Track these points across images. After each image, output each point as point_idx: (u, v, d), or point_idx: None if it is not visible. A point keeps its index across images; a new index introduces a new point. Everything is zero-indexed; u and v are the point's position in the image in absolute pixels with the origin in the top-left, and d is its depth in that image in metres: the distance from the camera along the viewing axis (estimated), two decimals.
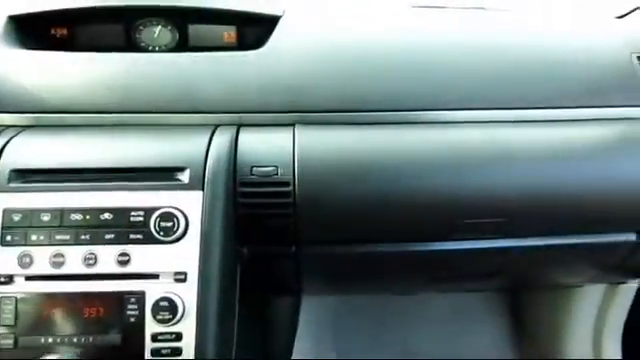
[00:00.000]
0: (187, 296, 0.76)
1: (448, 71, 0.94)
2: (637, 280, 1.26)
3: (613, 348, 1.37)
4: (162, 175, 0.80)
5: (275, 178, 0.83)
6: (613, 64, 0.98)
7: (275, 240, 0.89)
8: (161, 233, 0.77)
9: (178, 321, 0.75)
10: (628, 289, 1.28)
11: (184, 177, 0.80)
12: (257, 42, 0.97)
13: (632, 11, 1.10)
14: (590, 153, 0.90)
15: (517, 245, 0.96)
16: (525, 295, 1.65)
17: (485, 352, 1.65)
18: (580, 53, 0.99)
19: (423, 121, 0.91)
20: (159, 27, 1.01)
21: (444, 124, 0.91)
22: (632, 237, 0.98)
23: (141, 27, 1.00)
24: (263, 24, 0.99)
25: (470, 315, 1.70)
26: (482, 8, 1.12)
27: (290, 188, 0.83)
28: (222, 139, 0.84)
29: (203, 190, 0.79)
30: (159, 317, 0.74)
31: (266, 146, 0.85)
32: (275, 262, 0.95)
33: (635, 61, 0.97)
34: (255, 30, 1.01)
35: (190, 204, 0.78)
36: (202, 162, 0.80)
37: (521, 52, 0.98)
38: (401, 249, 0.93)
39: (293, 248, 0.91)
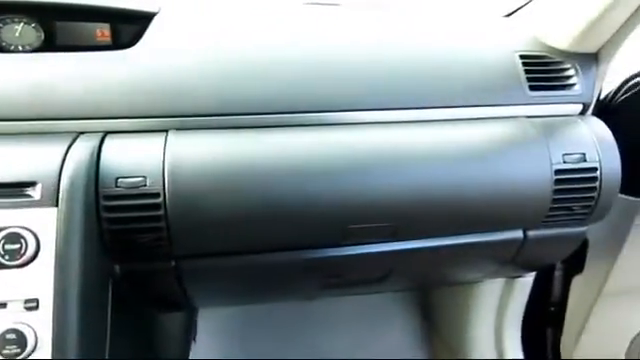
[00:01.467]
0: (40, 326, 0.68)
1: (336, 72, 0.90)
2: (532, 274, 1.29)
3: (513, 341, 1.40)
4: (9, 191, 0.71)
5: (143, 189, 0.77)
6: (497, 63, 0.98)
7: (150, 256, 0.82)
8: (6, 257, 0.68)
9: (29, 355, 0.67)
10: (525, 283, 1.31)
11: (35, 193, 0.72)
12: (132, 41, 0.90)
13: (518, 9, 1.11)
14: (477, 153, 0.90)
15: (411, 247, 0.94)
16: (433, 293, 1.67)
17: (396, 351, 1.65)
18: (466, 53, 0.99)
19: (310, 123, 0.87)
20: (21, 25, 0.91)
21: (331, 126, 0.88)
22: (520, 234, 0.99)
23: (0, 25, 0.90)
24: (139, 21, 0.92)
25: (381, 315, 1.70)
26: (375, 7, 1.10)
27: (160, 200, 0.77)
28: (82, 148, 0.76)
29: (57, 206, 0.71)
30: (5, 352, 0.66)
31: (133, 155, 0.78)
32: (155, 278, 0.88)
33: (517, 60, 0.98)
34: (131, 28, 0.93)
35: (42, 223, 0.70)
36: (56, 175, 0.72)
37: (409, 52, 0.96)
38: (289, 258, 0.88)
39: (173, 263, 0.85)
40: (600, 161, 0.92)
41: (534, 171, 0.90)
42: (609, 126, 0.99)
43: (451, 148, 0.89)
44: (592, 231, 1.17)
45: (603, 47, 0.99)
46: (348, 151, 0.83)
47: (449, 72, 0.95)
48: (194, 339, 1.43)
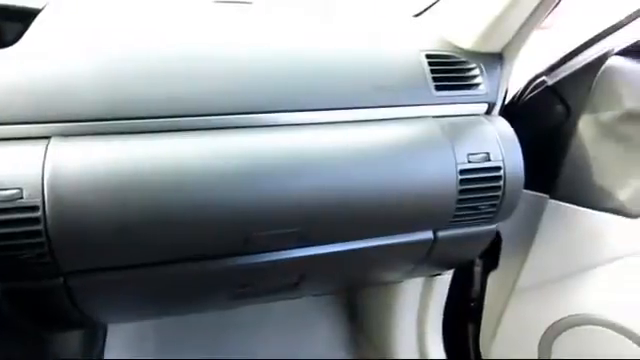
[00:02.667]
0: None
1: (239, 73, 0.86)
2: (449, 272, 1.30)
3: (435, 338, 1.41)
4: None
5: (19, 203, 0.70)
6: (404, 63, 0.97)
7: (35, 273, 0.76)
8: None
9: None
10: (443, 280, 1.32)
11: None
12: (14, 40, 0.83)
13: (426, 9, 1.10)
14: (383, 154, 0.88)
15: (320, 253, 0.92)
16: (358, 293, 1.66)
17: (323, 353, 1.63)
18: (373, 53, 0.97)
19: (208, 127, 0.83)
20: None
21: (231, 130, 0.84)
22: (429, 235, 0.98)
23: None
24: (21, 19, 0.84)
25: (307, 317, 1.67)
26: (286, 5, 1.07)
27: (39, 213, 0.71)
28: None
29: None
30: None
31: (9, 165, 0.72)
32: (44, 297, 0.81)
33: (424, 59, 0.97)
34: (13, 26, 0.86)
35: None
36: None
37: (316, 53, 0.93)
38: (188, 270, 0.84)
39: (61, 280, 0.79)
40: (504, 160, 0.92)
41: (440, 171, 0.89)
42: (516, 125, 1.00)
43: (357, 150, 0.87)
44: (505, 227, 1.19)
45: (507, 46, 1.00)
46: (248, 155, 0.80)
47: (356, 73, 0.93)
48: (101, 357, 1.36)
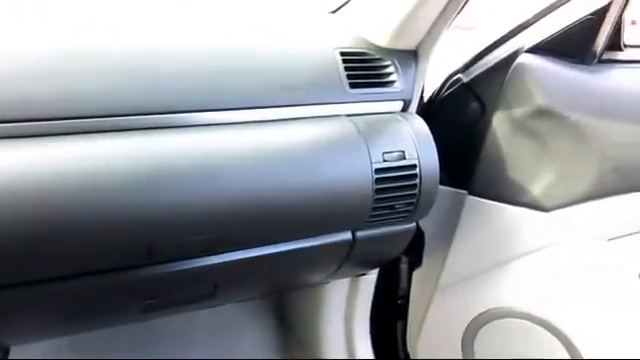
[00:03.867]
0: None
1: (137, 69, 0.81)
2: (375, 271, 1.29)
3: (362, 337, 1.40)
4: None
5: None
6: (318, 61, 0.94)
7: None
8: None
9: None
10: (369, 279, 1.31)
11: None
12: None
13: (342, 5, 1.09)
14: (296, 155, 0.85)
15: (234, 259, 0.88)
16: (287, 296, 1.63)
17: (254, 356, 1.59)
18: (287, 50, 0.94)
19: (105, 130, 0.77)
20: None
21: (127, 132, 0.77)
22: (348, 236, 0.97)
23: None
24: None
25: (235, 321, 1.63)
26: None
27: None
28: None
29: None
30: None
31: None
32: None
33: (338, 57, 0.95)
34: None
35: None
36: None
37: (225, 49, 0.89)
38: (91, 283, 0.78)
39: None
40: (419, 158, 0.92)
41: (355, 171, 0.87)
42: (435, 122, 1.00)
43: (269, 151, 0.84)
44: (427, 224, 1.20)
45: (421, 44, 1.00)
46: (148, 159, 0.75)
47: (267, 71, 0.90)
48: None
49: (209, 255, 0.85)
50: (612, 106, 0.98)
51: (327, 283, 1.36)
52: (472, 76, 1.12)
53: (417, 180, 0.92)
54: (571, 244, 1.03)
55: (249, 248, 0.89)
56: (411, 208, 0.95)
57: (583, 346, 1.02)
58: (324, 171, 0.86)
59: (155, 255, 0.78)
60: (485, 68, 1.09)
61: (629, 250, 1.01)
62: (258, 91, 0.87)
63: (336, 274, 1.17)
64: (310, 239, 0.93)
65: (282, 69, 0.90)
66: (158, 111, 0.80)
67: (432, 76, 1.19)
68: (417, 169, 0.92)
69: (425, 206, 0.96)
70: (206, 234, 0.80)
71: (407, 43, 0.99)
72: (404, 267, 1.32)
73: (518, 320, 1.11)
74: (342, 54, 0.95)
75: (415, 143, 0.93)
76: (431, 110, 1.15)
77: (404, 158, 0.91)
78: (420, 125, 0.96)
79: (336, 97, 0.92)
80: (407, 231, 1.03)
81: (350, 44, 0.98)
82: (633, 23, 1.39)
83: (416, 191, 0.93)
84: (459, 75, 1.14)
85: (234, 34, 0.94)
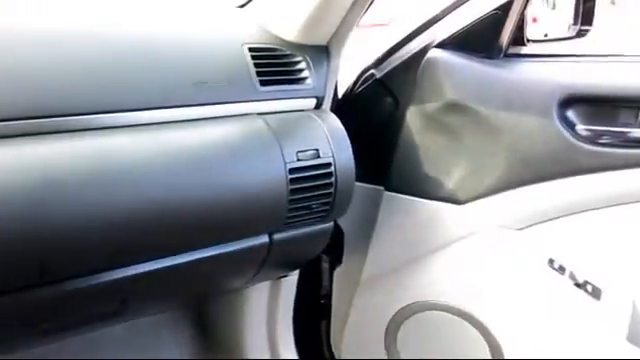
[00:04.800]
0: None
1: (24, 68, 0.73)
2: (295, 272, 1.26)
3: (286, 339, 1.37)
4: None
5: None
6: (226, 57, 0.90)
7: None
8: None
9: None
10: (290, 281, 1.28)
11: None
12: None
13: (251, 0, 1.05)
14: (205, 157, 0.81)
15: (143, 271, 0.82)
16: (207, 301, 1.57)
17: None
18: (193, 46, 0.89)
19: None
20: None
21: (19, 138, 0.70)
22: (265, 239, 0.93)
23: None
24: None
25: (153, 332, 1.55)
26: None
27: None
28: None
29: None
30: None
31: None
32: None
33: (246, 53, 0.91)
34: None
35: None
36: None
37: (126, 47, 0.83)
38: None
39: None
40: (334, 156, 0.90)
41: (268, 172, 0.84)
42: (350, 119, 0.99)
43: (176, 154, 0.79)
44: (346, 222, 1.18)
45: (332, 39, 0.98)
46: (37, 167, 0.68)
47: (173, 68, 0.84)
48: None
49: (113, 269, 0.79)
50: (518, 99, 1.01)
51: (247, 287, 1.32)
52: (385, 71, 1.11)
53: (332, 179, 0.90)
54: (484, 235, 1.05)
55: (159, 258, 0.83)
56: (328, 207, 0.93)
57: (501, 335, 1.05)
58: (235, 173, 0.82)
59: (49, 273, 0.71)
60: (397, 63, 1.09)
61: (538, 238, 1.04)
62: (163, 90, 0.82)
63: (255, 278, 1.13)
64: (224, 245, 0.88)
65: (188, 66, 0.85)
66: (48, 114, 0.72)
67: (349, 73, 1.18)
68: (332, 167, 0.89)
69: (342, 205, 0.95)
70: (107, 247, 0.74)
71: (318, 39, 0.97)
72: (325, 266, 1.30)
73: (438, 312, 1.12)
74: (251, 50, 0.91)
75: (329, 141, 0.90)
76: (345, 107, 1.14)
77: (318, 157, 0.88)
78: (334, 122, 0.94)
79: (246, 95, 0.89)
80: (325, 230, 1.01)
81: (259, 40, 0.95)
82: (535, 21, 1.45)
83: (332, 190, 0.91)
84: (372, 71, 1.13)
85: (135, 28, 0.88)
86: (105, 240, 0.73)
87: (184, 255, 0.85)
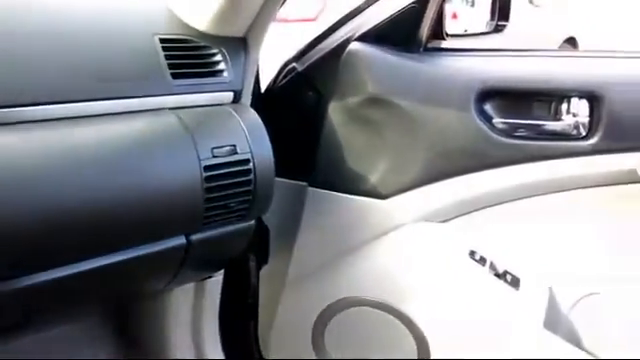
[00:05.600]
0: None
1: None
2: (220, 272, 1.22)
3: (212, 341, 1.33)
4: None
5: None
6: (135, 49, 0.85)
7: None
8: None
9: None
10: (215, 282, 1.24)
11: None
12: None
13: None
14: (112, 155, 0.76)
15: (50, 279, 0.76)
16: (130, 305, 1.50)
17: None
18: (100, 37, 0.83)
19: None
20: None
21: None
22: (182, 240, 0.89)
23: None
24: None
25: (71, 339, 1.46)
26: None
27: None
28: None
29: None
30: None
31: None
32: None
33: (157, 44, 0.86)
34: None
35: None
36: None
37: (25, 36, 0.76)
38: None
39: None
40: (252, 152, 0.87)
41: (181, 170, 0.80)
42: (271, 113, 0.96)
43: (81, 152, 0.73)
44: (271, 219, 1.16)
45: (249, 31, 0.94)
46: None
47: (79, 59, 0.78)
48: None
49: (11, 279, 0.72)
50: (437, 93, 1.01)
51: (171, 289, 1.27)
52: (306, 65, 1.09)
53: (251, 175, 0.87)
54: (408, 229, 1.06)
55: (65, 265, 0.77)
56: (247, 205, 0.89)
57: (427, 328, 1.05)
58: (145, 171, 0.77)
59: None
60: (318, 56, 1.07)
61: (460, 231, 1.05)
62: (69, 83, 0.76)
63: (176, 280, 1.08)
64: (138, 248, 0.83)
65: (93, 58, 0.79)
66: None
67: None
68: (250, 164, 0.86)
69: (263, 202, 0.92)
70: (6, 255, 0.68)
71: (234, 30, 0.93)
72: (251, 265, 1.27)
73: (365, 308, 1.11)
74: (162, 41, 0.86)
75: (247, 136, 0.87)
76: (268, 101, 1.11)
77: (235, 153, 0.85)
78: (252, 117, 0.90)
79: (157, 89, 0.84)
80: (247, 229, 0.97)
81: (171, 30, 0.90)
82: (455, 17, 1.48)
83: (251, 187, 0.87)
84: (293, 64, 1.11)
85: (36, 16, 0.81)
86: (4, 247, 0.67)
87: (95, 259, 0.80)
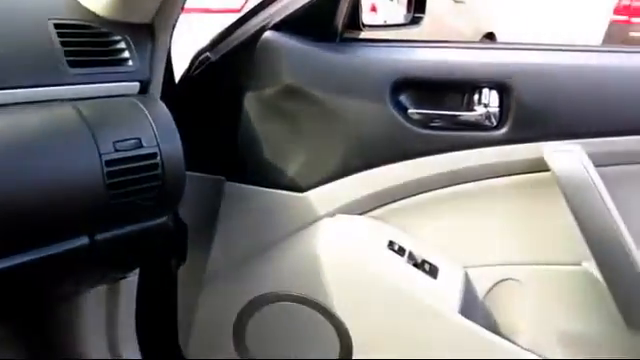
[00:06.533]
0: None
1: None
2: (133, 273, 1.17)
3: (128, 341, 1.27)
4: None
5: None
6: (27, 35, 0.78)
7: None
8: None
9: None
10: (130, 282, 1.18)
11: None
12: None
13: None
14: (8, 149, 0.69)
15: None
16: (43, 309, 1.41)
17: None
18: None
19: None
20: None
21: None
22: (85, 240, 0.83)
23: None
24: None
25: None
26: None
27: None
28: None
29: None
30: None
31: None
32: None
33: (52, 30, 0.80)
34: None
35: None
36: None
37: None
38: None
39: None
40: (159, 145, 0.82)
41: (80, 166, 0.74)
42: (185, 105, 0.92)
43: None
44: (188, 216, 1.11)
45: (157, 16, 0.89)
46: None
47: None
48: None
49: None
50: (353, 84, 1.00)
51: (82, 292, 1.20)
52: (220, 54, 1.05)
53: (159, 170, 0.82)
54: (327, 222, 1.04)
55: None
56: (154, 202, 0.85)
57: (349, 321, 1.04)
58: (41, 168, 0.71)
59: None
60: (233, 46, 1.04)
61: (378, 222, 1.05)
62: None
63: (85, 282, 1.02)
64: (38, 250, 0.77)
65: None
66: None
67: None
68: (157, 158, 0.82)
69: (173, 198, 0.87)
70: None
71: (140, 16, 0.88)
72: (168, 263, 1.22)
73: (286, 303, 1.09)
74: (58, 27, 0.80)
75: (154, 129, 0.82)
76: (181, 92, 1.07)
77: (141, 147, 0.80)
78: (160, 109, 0.86)
79: (52, 78, 0.78)
80: (158, 227, 0.93)
81: (69, 15, 0.83)
82: (374, 10, 1.48)
83: (159, 182, 0.83)
84: (207, 53, 1.07)
85: None
86: None
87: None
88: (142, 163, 0.80)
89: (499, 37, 4.72)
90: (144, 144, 0.80)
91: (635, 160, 0.97)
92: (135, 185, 0.80)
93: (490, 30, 4.67)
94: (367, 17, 1.12)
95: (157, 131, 0.82)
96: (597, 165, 0.94)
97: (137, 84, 0.88)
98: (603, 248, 0.94)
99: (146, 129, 0.81)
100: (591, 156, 0.94)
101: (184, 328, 1.26)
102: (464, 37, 4.07)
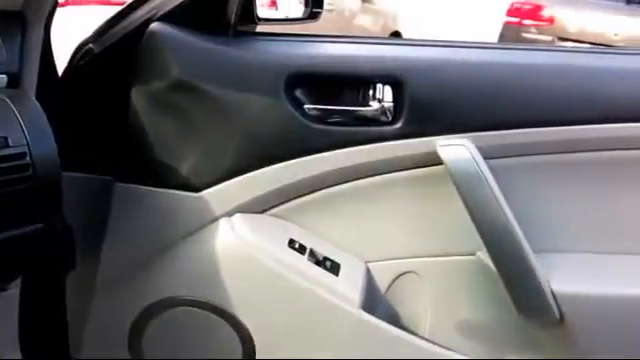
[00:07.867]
0: None
1: None
2: (14, 284, 1.07)
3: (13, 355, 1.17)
4: None
5: None
6: None
7: None
8: None
9: None
10: (10, 294, 1.08)
11: None
12: None
13: None
14: None
15: None
16: None
17: None
18: None
19: None
20: None
21: None
22: None
23: None
24: None
25: None
26: None
27: None
28: None
29: None
30: None
31: None
32: None
33: None
34: None
35: None
36: None
37: None
38: None
39: None
40: (29, 144, 0.75)
41: None
42: (67, 101, 0.84)
43: None
44: (75, 219, 1.04)
45: (28, 5, 0.81)
46: None
47: None
48: None
49: None
50: (247, 79, 0.97)
51: None
52: (105, 46, 0.99)
53: (30, 171, 0.75)
54: (224, 222, 1.01)
55: None
56: (29, 206, 0.77)
57: (251, 324, 1.01)
58: None
59: None
60: (117, 37, 0.97)
61: (278, 220, 1.03)
62: None
63: None
64: None
65: None
66: None
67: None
68: (27, 158, 0.75)
69: (49, 201, 0.80)
70: None
71: (7, 3, 0.80)
72: (55, 271, 1.13)
73: (184, 308, 1.04)
74: None
75: (23, 127, 0.75)
76: (63, 87, 0.99)
77: (7, 146, 0.73)
78: (30, 105, 0.78)
79: None
80: (34, 233, 0.85)
81: None
82: (273, 4, 1.45)
83: (30, 184, 0.76)
84: (90, 45, 1.00)
85: None
86: None
87: None
88: (9, 164, 0.73)
89: (405, 36, 4.87)
90: (11, 143, 0.73)
91: (522, 152, 1.01)
92: (2, 188, 0.73)
93: (396, 29, 4.81)
94: (265, 11, 1.10)
95: (27, 129, 0.75)
96: (486, 158, 0.97)
97: (4, 77, 0.80)
98: (494, 238, 0.97)
99: (14, 127, 0.74)
100: (480, 149, 0.97)
101: (76, 336, 1.18)
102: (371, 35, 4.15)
